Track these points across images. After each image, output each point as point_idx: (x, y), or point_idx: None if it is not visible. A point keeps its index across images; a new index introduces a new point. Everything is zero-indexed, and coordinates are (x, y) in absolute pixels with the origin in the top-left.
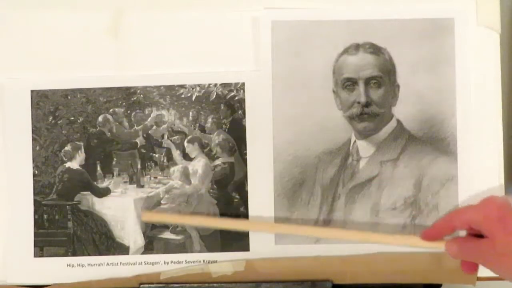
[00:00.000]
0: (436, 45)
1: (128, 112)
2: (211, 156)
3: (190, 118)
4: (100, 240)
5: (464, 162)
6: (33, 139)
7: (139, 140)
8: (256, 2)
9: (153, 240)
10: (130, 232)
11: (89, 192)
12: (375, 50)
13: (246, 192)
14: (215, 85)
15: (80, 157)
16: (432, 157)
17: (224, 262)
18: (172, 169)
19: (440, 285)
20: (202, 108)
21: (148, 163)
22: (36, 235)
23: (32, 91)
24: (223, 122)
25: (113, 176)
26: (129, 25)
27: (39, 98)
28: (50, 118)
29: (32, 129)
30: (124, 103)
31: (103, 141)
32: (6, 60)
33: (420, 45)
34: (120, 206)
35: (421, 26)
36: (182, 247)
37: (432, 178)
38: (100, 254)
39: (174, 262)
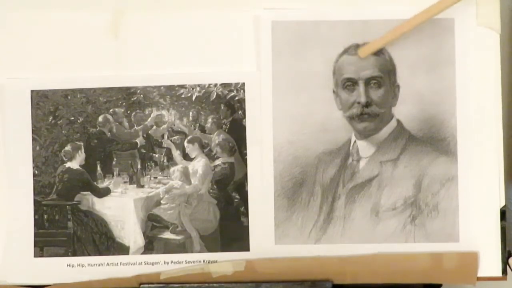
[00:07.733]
0: (436, 45)
1: (128, 112)
2: (211, 156)
3: (190, 118)
4: (100, 240)
5: (464, 162)
6: (33, 139)
7: (139, 140)
8: (256, 2)
9: (153, 240)
10: (130, 232)
11: (89, 192)
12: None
13: (246, 192)
14: (215, 85)
15: (80, 157)
16: (432, 157)
17: (224, 262)
18: (172, 169)
19: (440, 285)
20: (202, 108)
21: (148, 163)
22: (36, 235)
23: (32, 91)
24: (223, 122)
25: (113, 176)
26: (129, 25)
27: (39, 98)
28: (50, 118)
29: (32, 129)
30: (124, 103)
31: (103, 141)
32: (6, 60)
33: (420, 45)
34: (120, 206)
35: (421, 26)
36: (182, 247)
37: (432, 178)
38: (100, 254)
39: (174, 262)
